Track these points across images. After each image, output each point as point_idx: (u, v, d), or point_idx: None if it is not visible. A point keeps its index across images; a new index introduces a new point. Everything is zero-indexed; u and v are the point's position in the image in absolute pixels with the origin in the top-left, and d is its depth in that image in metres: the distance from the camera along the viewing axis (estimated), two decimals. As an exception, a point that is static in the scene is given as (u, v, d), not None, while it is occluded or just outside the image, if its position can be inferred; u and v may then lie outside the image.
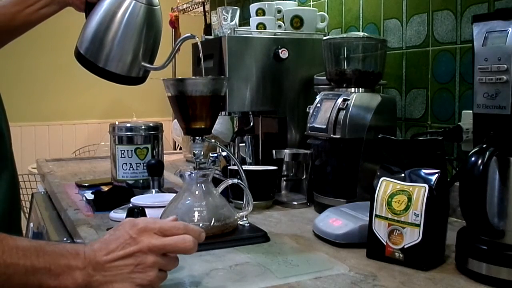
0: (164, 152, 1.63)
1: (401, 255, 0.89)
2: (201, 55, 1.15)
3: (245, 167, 1.35)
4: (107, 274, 0.73)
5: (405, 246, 0.89)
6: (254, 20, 1.60)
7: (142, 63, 1.11)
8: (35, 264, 0.70)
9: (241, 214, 1.09)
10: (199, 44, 1.16)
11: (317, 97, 1.31)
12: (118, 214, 1.21)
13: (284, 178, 1.46)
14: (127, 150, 1.47)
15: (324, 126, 1.23)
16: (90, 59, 1.10)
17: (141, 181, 1.49)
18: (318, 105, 1.28)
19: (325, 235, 1.04)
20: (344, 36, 1.49)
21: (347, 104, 1.20)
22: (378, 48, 1.30)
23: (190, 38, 1.14)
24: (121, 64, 1.10)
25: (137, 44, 1.10)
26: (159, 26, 1.14)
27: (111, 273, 0.73)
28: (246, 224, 1.09)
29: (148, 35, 1.11)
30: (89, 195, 1.37)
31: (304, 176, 1.40)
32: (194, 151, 1.07)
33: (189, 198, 1.05)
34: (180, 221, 0.82)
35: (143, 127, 1.49)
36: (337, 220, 1.04)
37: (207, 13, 3.06)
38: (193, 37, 1.14)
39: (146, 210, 1.17)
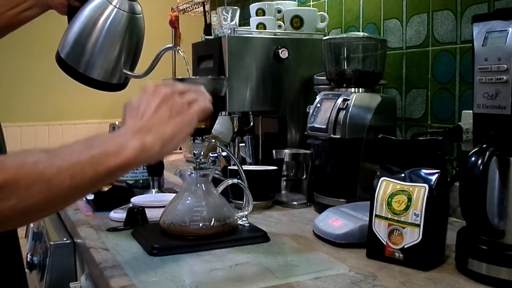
0: (164, 152, 1.63)
1: (401, 255, 0.89)
2: (187, 67, 1.17)
3: (245, 167, 1.35)
4: (154, 130, 0.77)
5: (405, 246, 0.89)
6: (254, 20, 1.60)
7: (124, 70, 1.12)
8: (93, 154, 0.71)
9: (241, 214, 1.09)
10: (182, 55, 1.17)
11: (317, 97, 1.31)
12: (118, 214, 1.21)
13: (284, 178, 1.46)
14: (127, 150, 1.47)
15: (324, 126, 1.23)
16: (71, 64, 1.10)
17: (141, 181, 1.49)
18: (318, 105, 1.28)
19: (325, 235, 1.04)
20: (344, 36, 1.49)
21: (347, 104, 1.20)
22: (378, 48, 1.30)
23: (171, 49, 1.16)
24: (102, 71, 1.11)
25: (119, 51, 1.11)
26: (141, 34, 1.15)
27: (157, 127, 0.77)
28: (246, 224, 1.09)
29: (129, 43, 1.12)
30: (89, 195, 1.37)
31: (304, 176, 1.40)
32: (194, 151, 1.07)
33: (189, 198, 1.05)
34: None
35: (143, 127, 1.49)
36: (337, 220, 1.04)
37: (207, 13, 3.06)
38: (174, 47, 1.17)
39: (146, 210, 1.17)
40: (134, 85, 1.23)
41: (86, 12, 1.10)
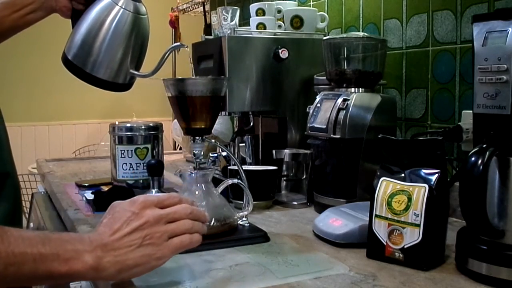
0: (164, 152, 1.63)
1: (401, 255, 0.89)
2: (190, 63, 1.17)
3: (245, 167, 1.35)
4: (117, 253, 0.73)
5: (405, 246, 0.89)
6: (254, 20, 1.60)
7: (130, 70, 1.14)
8: (42, 251, 0.69)
9: (241, 214, 1.09)
10: (188, 51, 1.18)
11: (317, 97, 1.31)
12: (118, 214, 1.21)
13: (284, 178, 1.46)
14: (127, 150, 1.47)
15: (324, 126, 1.23)
16: (78, 65, 1.12)
17: (141, 181, 1.49)
18: (318, 105, 1.28)
19: (325, 235, 1.04)
20: (344, 36, 1.49)
21: (347, 104, 1.20)
22: (378, 48, 1.31)
23: (179, 47, 1.17)
24: (108, 70, 1.13)
25: (125, 51, 1.13)
26: (146, 34, 1.17)
27: (121, 251, 0.74)
28: (246, 224, 1.09)
29: (135, 43, 1.14)
30: (89, 195, 1.37)
31: (304, 176, 1.40)
32: (194, 151, 1.07)
33: (189, 198, 1.05)
34: (172, 193, 0.84)
35: (143, 127, 1.49)
36: (337, 220, 1.04)
37: (207, 13, 3.07)
38: (182, 46, 1.18)
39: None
40: (136, 86, 1.23)
41: (93, 13, 1.12)
